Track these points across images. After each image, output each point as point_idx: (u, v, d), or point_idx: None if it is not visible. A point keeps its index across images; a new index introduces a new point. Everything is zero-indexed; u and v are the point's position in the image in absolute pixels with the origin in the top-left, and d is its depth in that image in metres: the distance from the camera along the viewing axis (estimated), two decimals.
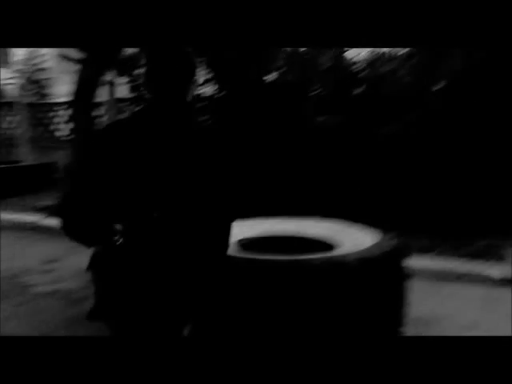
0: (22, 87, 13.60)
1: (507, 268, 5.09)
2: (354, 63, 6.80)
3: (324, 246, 3.69)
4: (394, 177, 6.29)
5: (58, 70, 13.14)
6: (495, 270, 5.05)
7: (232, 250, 3.43)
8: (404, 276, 3.54)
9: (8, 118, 12.36)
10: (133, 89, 7.78)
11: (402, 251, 3.51)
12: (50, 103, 12.64)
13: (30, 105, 12.40)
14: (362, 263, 3.11)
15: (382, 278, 3.24)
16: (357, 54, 6.83)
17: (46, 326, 3.48)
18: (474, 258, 5.38)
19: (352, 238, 3.68)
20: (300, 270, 3.04)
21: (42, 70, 14.65)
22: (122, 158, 1.86)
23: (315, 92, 6.61)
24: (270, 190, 6.31)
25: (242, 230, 3.99)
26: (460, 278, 4.99)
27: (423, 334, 3.72)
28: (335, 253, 3.41)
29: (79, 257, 3.51)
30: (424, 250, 5.53)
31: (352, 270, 3.08)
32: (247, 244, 3.79)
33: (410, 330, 3.69)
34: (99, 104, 9.18)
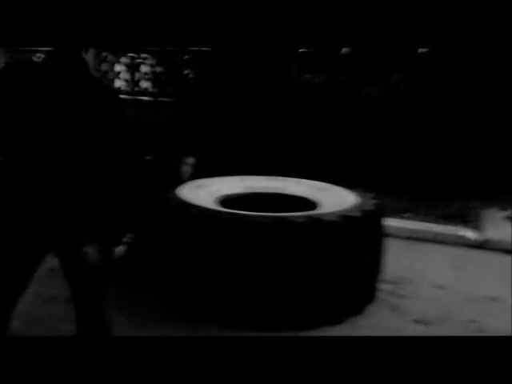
0: None
1: (482, 229, 5.22)
2: None
3: (305, 204, 3.75)
4: (375, 138, 6.33)
5: None
6: (470, 232, 5.17)
7: (212, 206, 3.48)
8: (382, 235, 3.63)
9: None
10: None
11: (381, 211, 3.59)
12: None
13: None
14: (344, 221, 3.18)
15: (361, 236, 3.32)
16: None
17: None
18: (449, 220, 5.49)
19: (333, 197, 3.74)
20: (283, 227, 3.10)
21: None
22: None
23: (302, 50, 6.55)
24: (254, 149, 6.31)
25: (223, 186, 4.02)
26: (435, 238, 5.10)
27: (397, 292, 3.82)
28: (317, 211, 3.47)
29: None
30: (401, 211, 5.63)
31: (333, 228, 3.15)
32: (228, 200, 3.83)
33: (385, 287, 3.81)
34: None
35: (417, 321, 3.41)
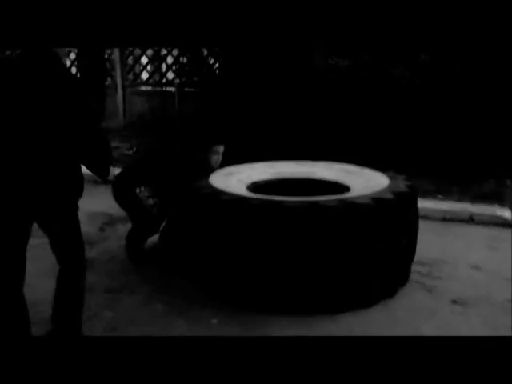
0: None
1: None
2: None
3: (337, 188, 3.73)
4: (404, 120, 6.24)
5: None
6: (506, 211, 5.08)
7: (244, 193, 3.49)
8: (415, 216, 3.59)
9: None
10: None
11: (414, 192, 3.54)
12: None
13: None
14: (376, 204, 3.16)
15: (394, 218, 3.29)
16: None
17: None
18: (484, 200, 5.39)
19: (364, 180, 3.71)
20: (316, 211, 3.09)
21: None
22: None
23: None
24: (282, 135, 6.30)
25: (253, 173, 4.02)
26: (470, 218, 5.03)
27: (432, 274, 3.79)
28: (349, 194, 3.45)
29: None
30: (434, 192, 5.56)
31: (366, 211, 3.13)
32: (259, 187, 3.83)
33: (419, 269, 3.78)
34: None
35: (453, 301, 3.37)
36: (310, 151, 5.14)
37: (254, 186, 3.81)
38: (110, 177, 3.00)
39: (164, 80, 7.99)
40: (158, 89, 7.95)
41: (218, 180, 3.69)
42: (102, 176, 2.71)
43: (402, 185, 3.51)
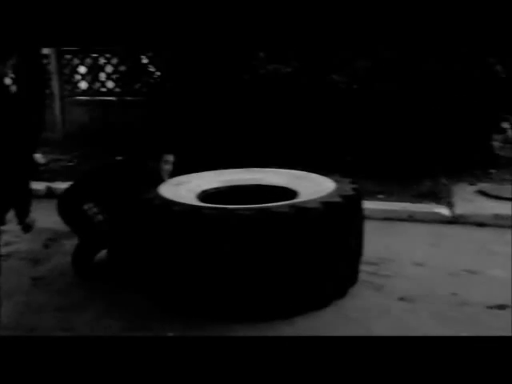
0: None
1: (454, 205, 5.37)
2: None
3: (285, 193, 3.80)
4: (345, 124, 6.41)
5: None
6: (443, 208, 5.32)
7: (195, 202, 3.50)
8: (362, 218, 3.71)
9: None
10: None
11: (360, 195, 3.66)
12: None
13: None
14: (326, 207, 3.24)
15: (343, 220, 3.39)
16: None
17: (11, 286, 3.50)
18: (423, 198, 5.61)
19: (312, 185, 3.80)
20: (268, 217, 3.14)
21: None
22: None
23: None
24: (227, 142, 6.33)
25: (202, 182, 4.04)
26: (411, 217, 5.23)
27: (379, 272, 3.92)
28: (299, 199, 3.52)
29: None
30: (375, 193, 5.73)
31: (317, 215, 3.21)
32: (209, 196, 3.85)
33: (366, 268, 3.90)
34: None
35: (401, 298, 3.50)
36: (256, 158, 5.21)
37: (205, 195, 3.83)
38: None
39: (104, 89, 7.86)
40: (98, 98, 7.82)
41: (167, 190, 3.67)
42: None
43: (348, 188, 3.62)
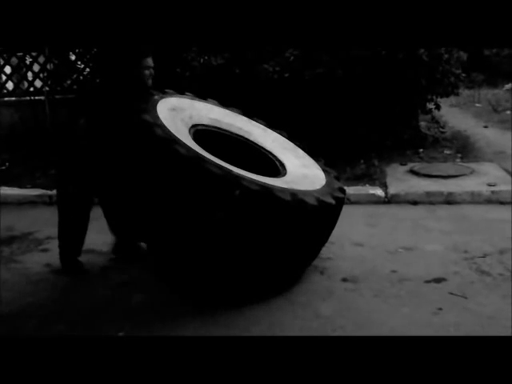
0: None
1: (388, 186, 5.60)
2: None
3: (273, 162, 3.71)
4: (279, 111, 6.52)
5: None
6: (378, 189, 5.53)
7: (199, 151, 3.19)
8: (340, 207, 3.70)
9: None
10: None
11: (344, 194, 3.69)
12: None
13: None
14: (320, 205, 3.26)
15: (327, 218, 3.50)
16: None
17: None
18: (358, 180, 5.82)
19: (299, 164, 3.74)
20: (271, 199, 3.05)
21: None
22: None
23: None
24: None
25: (194, 113, 3.69)
26: (348, 199, 5.39)
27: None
28: (293, 181, 3.41)
29: None
30: None
31: (312, 210, 3.21)
32: (198, 132, 3.54)
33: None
34: None
35: (345, 279, 3.65)
36: None
37: (195, 131, 3.52)
38: None
39: (32, 89, 7.62)
40: (27, 98, 7.57)
41: (165, 116, 3.31)
42: None
43: (336, 186, 3.64)
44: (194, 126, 3.51)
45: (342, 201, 3.57)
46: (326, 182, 3.59)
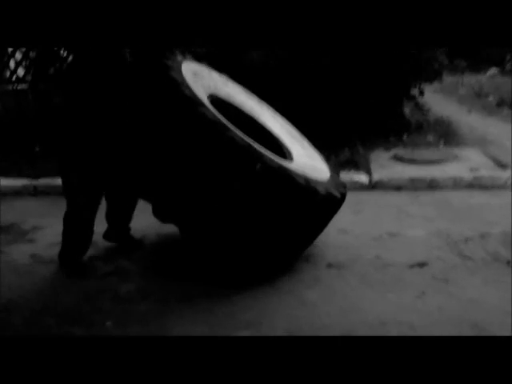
0: None
1: (372, 172, 5.65)
2: None
3: (281, 147, 3.70)
4: (265, 99, 6.53)
5: None
6: (362, 175, 5.58)
7: (207, 102, 3.16)
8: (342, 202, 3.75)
9: None
10: None
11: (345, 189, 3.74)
12: None
13: None
14: (328, 197, 3.32)
15: (330, 210, 3.58)
16: None
17: None
18: (343, 167, 5.84)
19: (305, 155, 3.77)
20: (286, 178, 3.06)
21: None
22: None
23: None
24: None
25: (212, 84, 3.65)
26: None
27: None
28: (303, 169, 3.40)
29: None
30: None
31: (319, 200, 3.26)
32: (213, 103, 3.47)
33: None
34: None
35: (330, 266, 3.70)
36: None
37: (211, 101, 3.43)
38: None
39: (14, 78, 7.52)
40: (9, 88, 7.48)
41: (189, 79, 3.22)
42: None
43: (338, 180, 3.72)
44: (210, 95, 3.43)
45: (344, 196, 3.62)
46: (331, 176, 3.65)
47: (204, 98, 3.19)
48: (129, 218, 3.99)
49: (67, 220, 3.62)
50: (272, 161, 3.07)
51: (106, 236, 4.04)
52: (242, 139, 3.03)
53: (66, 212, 3.61)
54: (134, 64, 3.26)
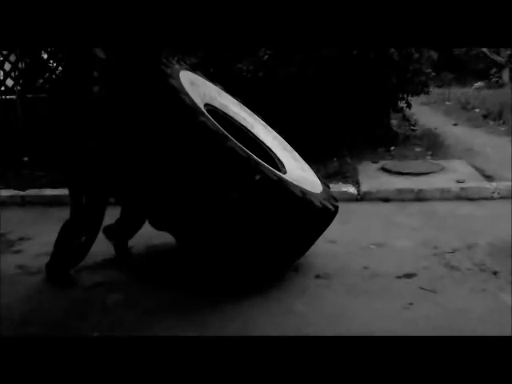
0: None
1: (360, 183, 5.69)
2: None
3: (274, 159, 3.74)
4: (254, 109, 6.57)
5: None
6: (350, 186, 5.62)
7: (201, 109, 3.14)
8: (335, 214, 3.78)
9: None
10: None
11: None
12: None
13: None
14: (322, 210, 3.35)
15: (321, 222, 3.60)
16: None
17: None
18: (331, 178, 5.88)
19: (298, 167, 3.79)
20: (282, 189, 3.07)
21: None
22: None
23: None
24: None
25: (206, 92, 3.64)
26: None
27: None
28: (296, 180, 3.42)
29: None
30: None
31: (314, 212, 3.30)
32: (208, 112, 3.44)
33: None
34: None
35: (318, 276, 3.71)
36: None
37: (207, 110, 3.41)
38: None
39: (3, 88, 7.50)
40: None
41: (187, 87, 3.21)
42: None
43: (329, 193, 3.74)
44: (206, 104, 3.43)
45: (337, 209, 3.65)
46: (323, 189, 3.68)
47: (201, 106, 3.21)
48: (134, 232, 4.00)
49: (66, 229, 3.60)
50: (271, 172, 3.11)
51: (106, 231, 3.97)
52: (242, 149, 3.06)
53: (67, 220, 3.58)
54: (132, 72, 3.27)
